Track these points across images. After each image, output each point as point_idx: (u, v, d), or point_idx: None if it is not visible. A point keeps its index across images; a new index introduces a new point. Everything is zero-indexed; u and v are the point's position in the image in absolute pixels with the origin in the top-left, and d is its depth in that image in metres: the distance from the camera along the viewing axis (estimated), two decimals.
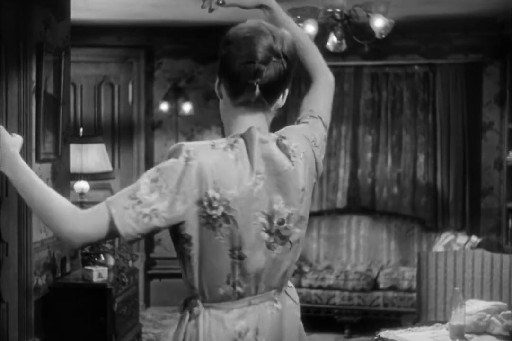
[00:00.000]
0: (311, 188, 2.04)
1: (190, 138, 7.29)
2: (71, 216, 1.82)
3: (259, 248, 1.93)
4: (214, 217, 1.86)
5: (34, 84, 4.47)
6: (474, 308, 3.90)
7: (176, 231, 1.89)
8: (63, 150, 4.88)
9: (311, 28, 4.97)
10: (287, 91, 2.03)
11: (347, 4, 5.06)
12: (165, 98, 7.32)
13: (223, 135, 2.07)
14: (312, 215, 5.82)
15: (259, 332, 1.95)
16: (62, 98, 4.85)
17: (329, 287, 6.52)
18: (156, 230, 1.85)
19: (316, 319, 6.21)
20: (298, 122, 2.14)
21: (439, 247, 6.54)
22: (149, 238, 7.27)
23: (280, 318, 2.00)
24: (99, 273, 4.64)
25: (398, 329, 4.08)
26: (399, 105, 7.25)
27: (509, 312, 3.87)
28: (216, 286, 1.92)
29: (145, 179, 1.84)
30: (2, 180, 4.27)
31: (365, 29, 5.11)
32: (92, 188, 5.66)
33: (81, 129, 5.90)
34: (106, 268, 4.73)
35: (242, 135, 1.94)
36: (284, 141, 1.98)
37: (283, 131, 2.05)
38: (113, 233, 1.82)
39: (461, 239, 6.56)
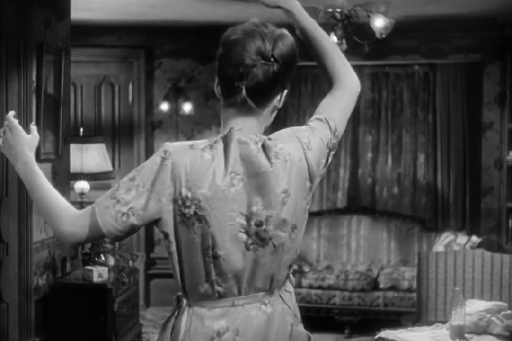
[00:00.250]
0: (301, 191, 1.98)
1: (190, 138, 7.28)
2: (66, 217, 1.96)
3: (236, 249, 1.93)
4: (188, 215, 1.91)
5: (34, 84, 4.47)
6: (474, 308, 3.90)
7: (158, 228, 1.96)
8: (63, 150, 4.88)
9: None
10: (285, 92, 2.02)
11: (347, 4, 5.06)
12: (165, 98, 7.33)
13: None
14: (312, 215, 5.84)
15: (239, 333, 1.94)
16: (62, 98, 4.84)
17: (329, 287, 6.52)
18: (135, 227, 1.94)
19: (316, 319, 6.20)
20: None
21: (439, 247, 6.54)
22: (149, 238, 7.29)
23: (267, 321, 1.97)
24: (99, 273, 4.64)
25: (398, 329, 4.09)
26: (399, 105, 7.25)
27: (509, 312, 3.87)
28: (196, 284, 1.95)
29: (125, 178, 1.95)
30: (2, 180, 4.27)
31: (365, 29, 5.11)
32: (92, 188, 5.65)
33: (81, 129, 5.88)
34: (107, 268, 4.73)
35: (223, 136, 1.96)
36: (269, 143, 1.96)
37: (276, 133, 2.03)
38: (98, 231, 1.93)
39: (461, 239, 6.56)
